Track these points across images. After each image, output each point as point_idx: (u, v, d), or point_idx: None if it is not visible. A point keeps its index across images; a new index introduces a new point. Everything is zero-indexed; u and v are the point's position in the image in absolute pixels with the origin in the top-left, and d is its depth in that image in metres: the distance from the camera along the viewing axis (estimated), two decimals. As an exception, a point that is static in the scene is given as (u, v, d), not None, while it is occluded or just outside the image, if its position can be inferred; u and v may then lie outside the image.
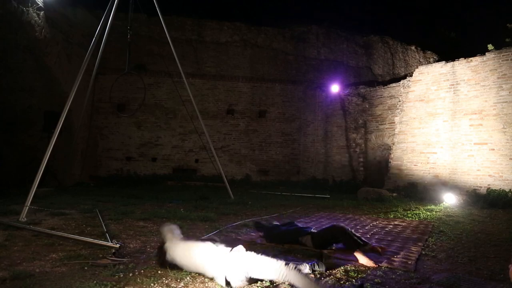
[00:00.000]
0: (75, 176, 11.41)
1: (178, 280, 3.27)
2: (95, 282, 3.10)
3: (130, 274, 3.37)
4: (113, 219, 5.92)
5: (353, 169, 12.65)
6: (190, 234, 5.14)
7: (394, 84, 11.89)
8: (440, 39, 18.01)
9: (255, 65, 14.49)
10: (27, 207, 5.79)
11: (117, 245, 4.06)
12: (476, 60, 9.30)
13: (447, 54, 13.21)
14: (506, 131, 8.67)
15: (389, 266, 3.89)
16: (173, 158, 13.71)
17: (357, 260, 3.89)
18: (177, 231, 3.75)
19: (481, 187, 8.93)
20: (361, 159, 12.64)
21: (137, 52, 12.81)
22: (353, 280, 3.38)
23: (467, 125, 9.37)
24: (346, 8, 23.74)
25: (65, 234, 4.66)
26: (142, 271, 3.48)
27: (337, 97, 13.28)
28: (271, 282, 3.29)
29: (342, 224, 4.64)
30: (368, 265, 3.78)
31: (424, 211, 7.63)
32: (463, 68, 9.54)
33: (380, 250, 4.28)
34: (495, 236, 5.38)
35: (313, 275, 3.40)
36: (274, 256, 3.39)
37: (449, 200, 8.70)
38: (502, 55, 8.84)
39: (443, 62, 10.12)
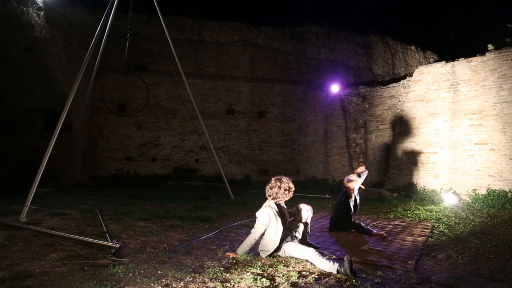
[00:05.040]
0: (75, 176, 11.40)
1: (178, 280, 3.27)
2: (95, 282, 3.10)
3: (130, 274, 3.37)
4: (113, 219, 5.92)
5: (353, 169, 12.63)
6: (191, 234, 5.15)
7: (394, 84, 11.89)
8: (440, 39, 17.99)
9: (255, 65, 14.49)
10: (27, 207, 5.79)
11: (117, 245, 4.06)
12: (476, 60, 9.29)
13: (447, 54, 13.19)
14: (506, 131, 8.66)
15: (389, 266, 3.89)
16: (173, 158, 13.71)
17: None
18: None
19: (481, 187, 8.93)
20: (361, 159, 12.64)
21: (137, 52, 12.81)
22: (353, 281, 3.38)
23: (467, 125, 9.37)
24: (346, 8, 23.74)
25: (65, 234, 4.66)
26: (142, 271, 3.48)
27: (337, 97, 13.27)
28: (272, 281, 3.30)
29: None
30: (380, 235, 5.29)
31: (424, 211, 7.63)
32: (463, 68, 9.54)
33: (383, 235, 5.33)
34: (495, 236, 5.38)
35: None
36: None
37: (449, 200, 8.70)
38: (502, 55, 8.84)
39: (443, 62, 10.12)
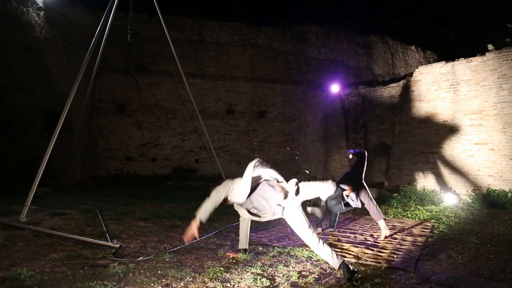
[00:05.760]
0: (75, 176, 11.40)
1: (178, 280, 3.27)
2: (95, 282, 3.10)
3: (130, 274, 3.37)
4: (113, 219, 5.91)
5: (353, 169, 12.64)
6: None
7: (394, 84, 11.89)
8: (440, 39, 18.00)
9: (255, 65, 14.49)
10: (27, 207, 5.78)
11: (117, 245, 4.05)
12: (476, 60, 9.29)
13: (447, 54, 13.20)
14: (506, 131, 8.66)
15: (389, 266, 3.89)
16: (173, 158, 13.71)
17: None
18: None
19: (481, 187, 8.93)
20: (361, 159, 12.62)
21: (137, 52, 12.81)
22: (353, 281, 3.38)
23: (467, 125, 9.37)
24: (346, 8, 23.73)
25: (65, 234, 4.66)
26: (142, 271, 3.48)
27: (337, 97, 13.27)
28: (272, 280, 3.30)
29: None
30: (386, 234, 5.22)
31: (424, 211, 7.63)
32: (463, 68, 9.54)
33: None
34: (495, 236, 5.38)
35: None
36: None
37: (449, 200, 8.69)
38: (502, 55, 8.84)
39: (443, 62, 10.12)
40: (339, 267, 3.45)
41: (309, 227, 3.56)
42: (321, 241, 3.52)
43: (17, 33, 8.36)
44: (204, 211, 3.43)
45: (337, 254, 3.54)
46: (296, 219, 3.57)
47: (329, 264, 3.59)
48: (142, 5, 8.98)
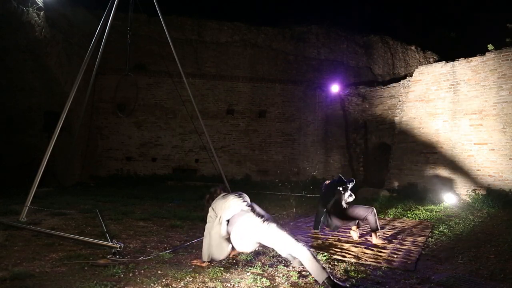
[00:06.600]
0: (75, 176, 11.40)
1: (178, 280, 3.27)
2: (95, 282, 3.10)
3: (130, 274, 3.37)
4: (113, 219, 5.92)
5: (353, 169, 12.65)
6: (191, 234, 5.15)
7: (394, 84, 11.89)
8: (440, 39, 18.00)
9: (255, 65, 14.49)
10: (27, 207, 5.78)
11: (117, 245, 4.06)
12: (476, 60, 9.29)
13: (447, 54, 13.20)
14: (506, 131, 8.66)
15: (389, 266, 3.89)
16: (173, 158, 13.71)
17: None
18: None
19: (481, 187, 8.93)
20: (361, 159, 12.63)
21: (137, 52, 12.80)
22: (353, 281, 3.39)
23: (467, 125, 9.37)
24: (346, 8, 23.74)
25: (65, 234, 4.66)
26: (142, 271, 3.48)
27: (337, 97, 13.27)
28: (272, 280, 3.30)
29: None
30: (378, 244, 4.83)
31: (424, 211, 7.63)
32: (463, 68, 9.54)
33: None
34: (495, 236, 5.38)
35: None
36: None
37: (449, 200, 8.69)
38: (502, 55, 8.83)
39: (443, 62, 10.12)
40: (322, 283, 3.06)
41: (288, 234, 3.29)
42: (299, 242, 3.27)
43: (17, 33, 8.36)
44: (208, 253, 3.67)
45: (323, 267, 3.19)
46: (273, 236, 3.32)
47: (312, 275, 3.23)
48: (142, 5, 8.96)
